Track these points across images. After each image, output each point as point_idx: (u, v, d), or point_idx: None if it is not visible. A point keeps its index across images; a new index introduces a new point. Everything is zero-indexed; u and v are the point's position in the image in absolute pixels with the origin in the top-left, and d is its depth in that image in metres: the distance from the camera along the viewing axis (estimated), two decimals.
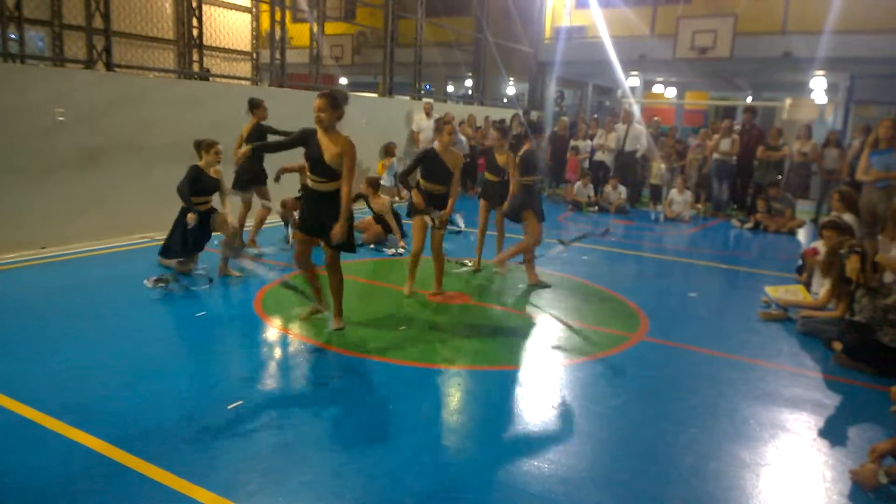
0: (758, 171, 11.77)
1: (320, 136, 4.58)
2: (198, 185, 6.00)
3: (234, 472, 3.03)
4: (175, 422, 3.48)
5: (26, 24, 8.55)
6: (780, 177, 11.52)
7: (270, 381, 4.16)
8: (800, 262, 7.29)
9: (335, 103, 4.53)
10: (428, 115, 12.70)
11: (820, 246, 6.17)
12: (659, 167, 12.71)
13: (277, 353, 4.68)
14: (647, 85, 20.82)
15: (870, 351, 4.67)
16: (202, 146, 6.11)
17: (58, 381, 3.92)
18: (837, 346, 4.92)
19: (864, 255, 5.04)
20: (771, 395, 4.23)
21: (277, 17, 10.93)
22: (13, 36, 7.94)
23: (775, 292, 6.09)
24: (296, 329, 5.07)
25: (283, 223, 8.21)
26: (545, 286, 6.49)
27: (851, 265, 4.99)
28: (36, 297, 5.50)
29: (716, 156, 12.10)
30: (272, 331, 5.04)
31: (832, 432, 3.77)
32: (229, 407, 3.68)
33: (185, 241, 5.99)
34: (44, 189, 6.89)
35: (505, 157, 6.55)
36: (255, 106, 7.31)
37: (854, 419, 4.01)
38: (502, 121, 9.68)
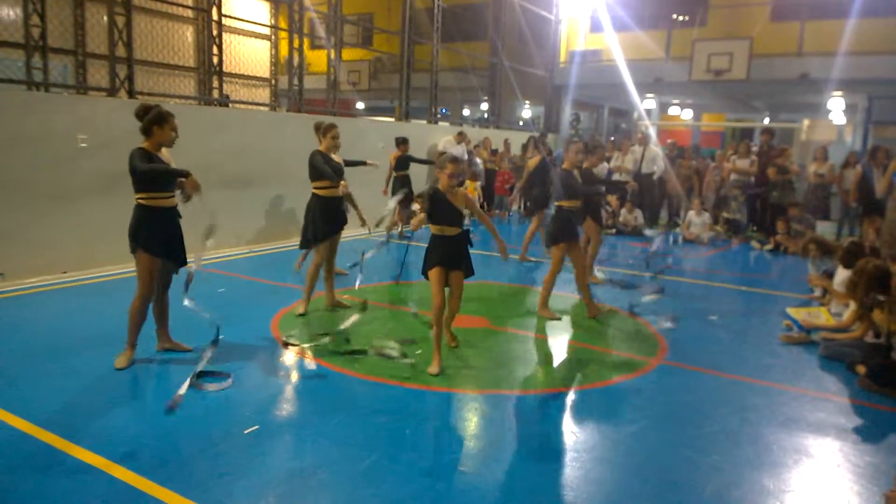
0: (774, 192, 11.70)
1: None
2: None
3: (250, 499, 3.02)
4: (191, 446, 3.48)
5: (51, 53, 8.74)
6: (796, 199, 11.44)
7: (287, 406, 4.15)
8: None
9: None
10: (459, 143, 12.73)
11: (840, 270, 6.10)
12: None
13: (293, 377, 4.67)
14: (664, 107, 20.83)
15: (894, 375, 4.58)
16: (320, 130, 6.01)
17: (75, 405, 3.95)
18: (861, 369, 4.83)
19: (889, 285, 4.94)
20: (794, 420, 4.15)
21: (296, 44, 11.09)
22: (38, 65, 8.12)
23: (797, 314, 6.01)
24: (312, 353, 5.07)
25: None
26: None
27: (880, 318, 4.92)
28: (57, 321, 5.56)
29: (734, 177, 12.05)
30: (288, 354, 5.04)
31: (857, 458, 3.69)
32: (245, 432, 3.67)
33: (327, 220, 5.94)
34: (66, 214, 6.99)
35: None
36: (402, 142, 10.08)
37: (879, 444, 3.92)
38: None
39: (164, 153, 4.66)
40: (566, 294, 7.02)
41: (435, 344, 4.76)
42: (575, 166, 6.28)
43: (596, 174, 7.68)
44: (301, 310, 6.04)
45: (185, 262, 4.77)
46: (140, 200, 4.54)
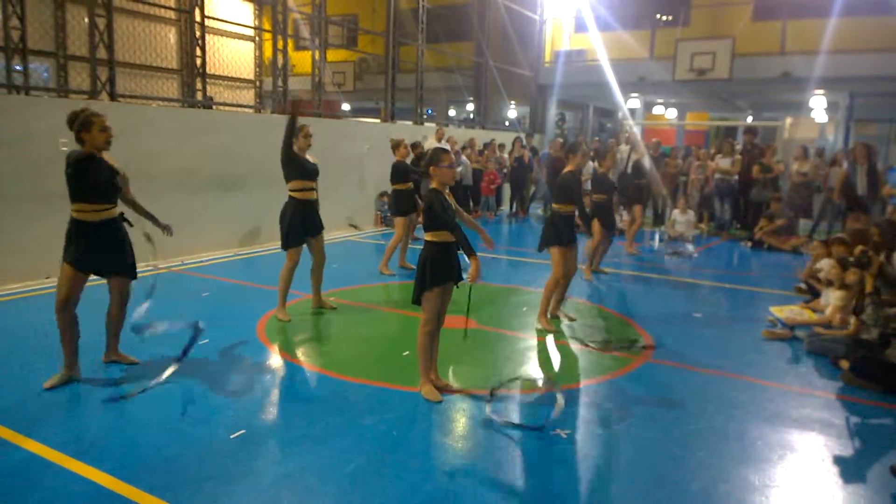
0: (754, 190, 11.79)
1: None
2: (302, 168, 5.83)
3: None
4: (177, 452, 3.45)
5: (31, 55, 8.66)
6: (777, 194, 11.54)
7: (273, 409, 4.13)
8: (802, 283, 7.31)
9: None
10: (439, 140, 12.76)
11: (824, 263, 6.17)
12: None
13: (280, 380, 4.64)
14: (648, 106, 20.94)
15: (877, 369, 4.63)
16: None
17: (59, 414, 3.90)
18: (844, 364, 4.88)
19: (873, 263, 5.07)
20: (779, 415, 4.18)
21: (280, 45, 11.05)
22: (18, 68, 8.03)
23: (780, 313, 6.06)
24: (299, 356, 5.04)
25: None
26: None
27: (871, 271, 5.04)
28: (39, 327, 5.49)
29: (717, 175, 12.13)
30: (275, 357, 5.01)
31: (841, 452, 3.72)
32: (232, 436, 3.65)
33: (301, 223, 5.84)
34: (48, 218, 6.89)
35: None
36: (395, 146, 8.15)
37: (863, 438, 3.96)
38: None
39: (108, 156, 4.34)
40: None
41: (424, 369, 4.33)
42: (580, 170, 6.07)
43: (609, 177, 7.60)
44: (281, 316, 5.84)
45: (133, 275, 4.57)
46: (71, 212, 4.24)
